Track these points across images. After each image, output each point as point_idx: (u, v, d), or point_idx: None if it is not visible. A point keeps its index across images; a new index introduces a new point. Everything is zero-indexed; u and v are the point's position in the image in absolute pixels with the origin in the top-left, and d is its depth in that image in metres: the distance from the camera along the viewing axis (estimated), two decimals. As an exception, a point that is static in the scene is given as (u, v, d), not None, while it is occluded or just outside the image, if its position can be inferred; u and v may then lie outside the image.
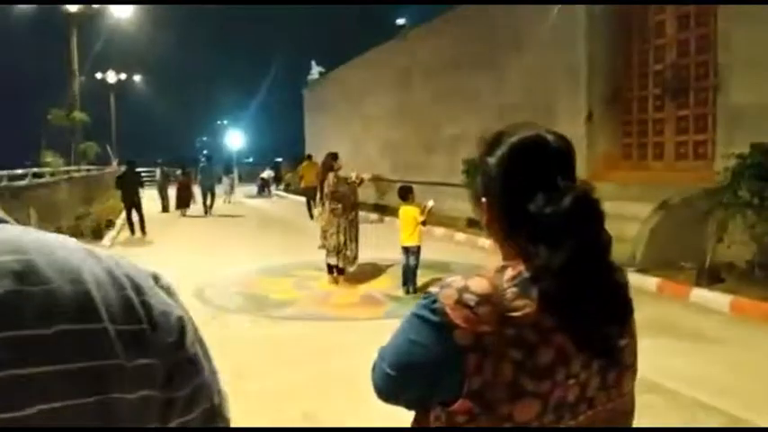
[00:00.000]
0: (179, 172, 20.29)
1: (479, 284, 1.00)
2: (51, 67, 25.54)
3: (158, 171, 22.29)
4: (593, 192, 1.05)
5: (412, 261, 7.55)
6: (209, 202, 19.10)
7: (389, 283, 8.10)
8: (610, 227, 1.04)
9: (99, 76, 41.76)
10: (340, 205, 8.05)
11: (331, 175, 8.12)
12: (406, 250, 7.57)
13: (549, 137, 1.10)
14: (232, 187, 25.18)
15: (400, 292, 7.59)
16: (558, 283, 0.97)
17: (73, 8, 21.77)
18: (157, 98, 54.85)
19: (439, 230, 13.30)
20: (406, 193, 7.66)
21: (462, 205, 14.52)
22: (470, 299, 0.98)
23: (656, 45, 10.25)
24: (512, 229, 1.07)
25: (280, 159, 32.22)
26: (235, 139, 46.98)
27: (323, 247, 8.20)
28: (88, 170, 22.30)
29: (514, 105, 13.00)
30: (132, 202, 14.67)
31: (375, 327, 6.45)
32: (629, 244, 8.25)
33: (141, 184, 15.28)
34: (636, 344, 1.13)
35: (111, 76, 42.12)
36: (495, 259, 1.12)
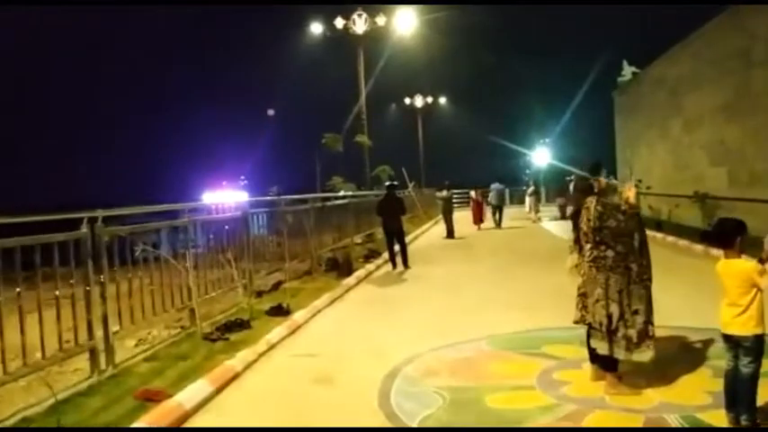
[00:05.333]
0: (472, 193, 23.43)
1: None
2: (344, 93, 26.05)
3: (442, 193, 20.47)
4: None
5: (744, 365, 3.88)
6: (497, 218, 22.51)
7: (707, 391, 4.51)
8: None
9: (407, 101, 43.06)
10: (610, 252, 4.73)
11: (592, 203, 4.86)
12: (731, 342, 3.96)
13: None
14: (535, 207, 25.55)
15: (722, 420, 4.02)
16: None
17: (360, 29, 21.44)
18: (463, 118, 54.98)
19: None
20: (731, 234, 4.03)
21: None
22: None
23: None
24: None
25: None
26: (541, 156, 44.39)
27: (581, 320, 4.95)
28: (376, 195, 21.51)
29: None
30: (393, 232, 12.86)
31: None
32: None
33: (403, 211, 13.39)
34: None
35: (419, 101, 43.12)
36: None
